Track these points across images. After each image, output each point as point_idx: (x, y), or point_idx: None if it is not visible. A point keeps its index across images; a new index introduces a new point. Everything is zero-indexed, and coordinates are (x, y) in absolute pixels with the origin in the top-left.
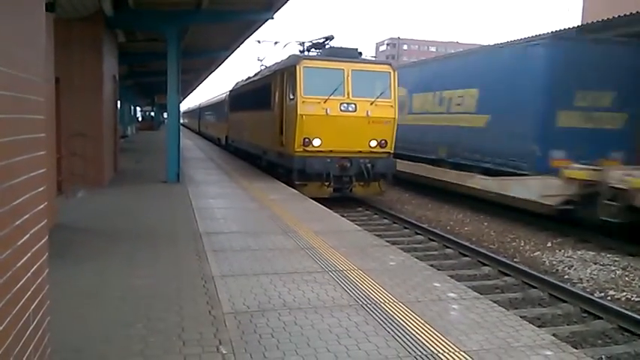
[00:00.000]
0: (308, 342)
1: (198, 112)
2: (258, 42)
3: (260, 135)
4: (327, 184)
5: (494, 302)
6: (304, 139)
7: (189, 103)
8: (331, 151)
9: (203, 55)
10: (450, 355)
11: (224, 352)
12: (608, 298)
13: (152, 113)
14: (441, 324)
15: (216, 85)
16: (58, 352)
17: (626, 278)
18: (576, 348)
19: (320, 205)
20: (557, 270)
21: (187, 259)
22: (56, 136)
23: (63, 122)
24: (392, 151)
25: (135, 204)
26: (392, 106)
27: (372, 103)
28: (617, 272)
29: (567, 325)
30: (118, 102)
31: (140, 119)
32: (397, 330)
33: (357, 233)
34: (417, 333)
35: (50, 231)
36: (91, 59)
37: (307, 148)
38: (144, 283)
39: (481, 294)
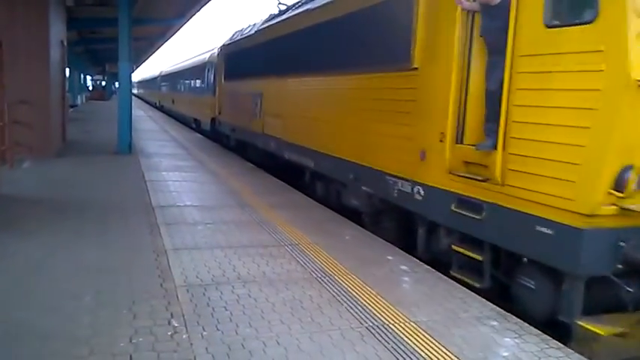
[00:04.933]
0: (262, 314)
1: (159, 82)
2: None
3: (345, 135)
4: None
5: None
6: (625, 168)
7: (145, 72)
8: None
9: (157, 22)
10: (401, 325)
11: (176, 324)
12: None
13: (103, 82)
14: (392, 296)
15: (178, 54)
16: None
17: None
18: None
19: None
20: None
21: (139, 232)
22: None
23: (6, 89)
24: None
25: (84, 175)
26: None
27: None
28: None
29: None
30: (67, 69)
31: (91, 88)
32: (350, 302)
33: (313, 208)
34: (369, 304)
35: None
36: (36, 22)
37: (623, 203)
38: (93, 256)
39: (433, 267)
